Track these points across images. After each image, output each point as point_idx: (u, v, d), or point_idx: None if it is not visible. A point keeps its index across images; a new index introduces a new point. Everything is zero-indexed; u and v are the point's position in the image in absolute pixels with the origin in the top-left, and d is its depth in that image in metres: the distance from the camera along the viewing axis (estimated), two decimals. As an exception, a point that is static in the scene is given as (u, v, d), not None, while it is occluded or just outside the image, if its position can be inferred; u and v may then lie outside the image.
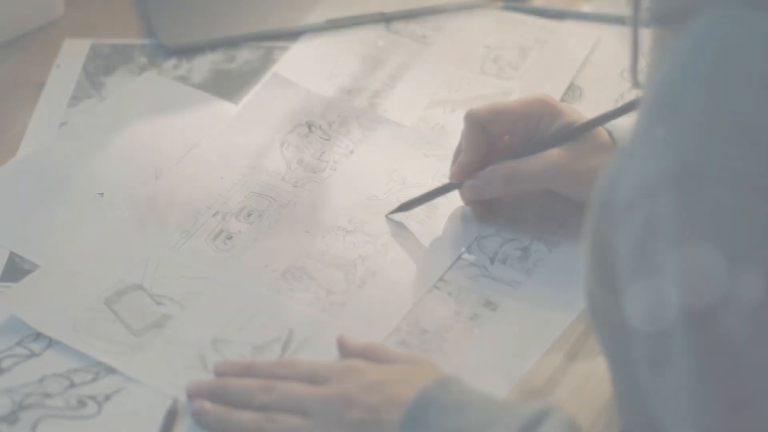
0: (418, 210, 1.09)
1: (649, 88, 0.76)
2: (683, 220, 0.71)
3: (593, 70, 1.27)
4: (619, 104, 1.05)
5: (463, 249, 1.06)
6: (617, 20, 1.32)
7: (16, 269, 1.05)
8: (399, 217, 1.09)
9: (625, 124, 1.05)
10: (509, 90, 1.24)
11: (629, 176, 0.74)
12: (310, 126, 1.19)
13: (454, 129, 1.18)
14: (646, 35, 0.90)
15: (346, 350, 0.97)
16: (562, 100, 1.23)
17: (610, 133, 1.05)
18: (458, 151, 1.08)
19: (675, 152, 0.71)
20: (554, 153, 1.04)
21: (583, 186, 1.03)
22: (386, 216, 1.08)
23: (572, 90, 1.24)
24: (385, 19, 1.33)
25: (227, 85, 1.25)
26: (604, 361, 0.95)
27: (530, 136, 1.06)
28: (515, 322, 1.00)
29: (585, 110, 1.18)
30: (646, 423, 0.85)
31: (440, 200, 1.09)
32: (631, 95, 1.23)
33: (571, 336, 0.99)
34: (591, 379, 0.96)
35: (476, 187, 1.06)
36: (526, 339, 0.99)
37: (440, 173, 1.13)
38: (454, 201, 1.09)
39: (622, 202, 0.74)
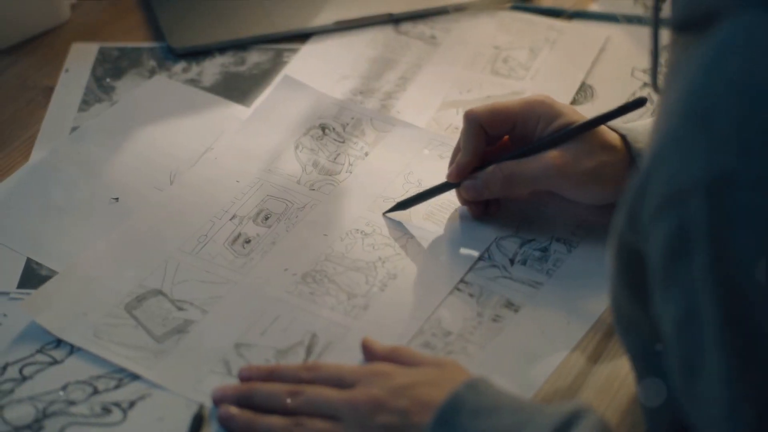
0: (436, 211, 1.09)
1: (676, 95, 0.75)
2: (716, 226, 0.71)
3: (604, 69, 1.27)
4: (615, 106, 1.04)
5: (483, 250, 1.06)
6: (625, 19, 1.32)
7: (34, 276, 1.05)
8: (397, 215, 1.09)
9: (637, 126, 1.05)
10: (521, 90, 1.24)
11: (659, 183, 0.74)
12: (323, 128, 1.18)
13: (468, 130, 1.18)
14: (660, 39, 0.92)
15: (371, 353, 0.97)
16: (574, 99, 1.23)
17: (624, 137, 1.04)
18: (457, 150, 1.08)
19: (708, 158, 0.71)
20: (552, 154, 1.03)
21: (582, 187, 1.03)
22: (383, 214, 1.08)
23: (584, 89, 1.24)
24: (393, 20, 1.33)
25: (238, 88, 1.24)
26: (628, 362, 0.96)
27: (529, 137, 1.05)
28: (538, 324, 1.00)
29: (597, 109, 1.18)
30: (672, 424, 0.86)
31: (458, 201, 1.09)
32: (642, 94, 1.23)
33: (595, 336, 0.99)
34: (615, 380, 0.96)
35: (474, 188, 1.06)
36: (550, 340, 0.99)
37: (456, 174, 1.13)
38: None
39: (652, 208, 0.74)
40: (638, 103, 1.03)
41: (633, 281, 0.82)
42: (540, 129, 1.04)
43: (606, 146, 1.04)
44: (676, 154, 0.73)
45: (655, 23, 0.85)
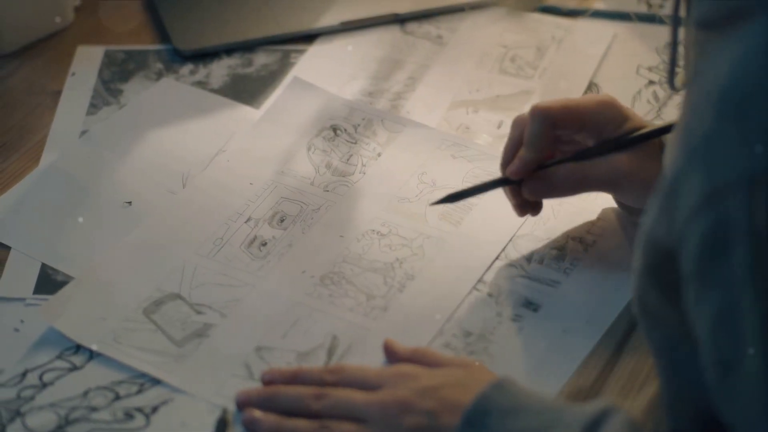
0: (452, 211, 1.09)
1: (704, 93, 0.75)
2: (757, 222, 0.71)
3: (609, 67, 1.27)
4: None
5: (500, 250, 1.06)
6: (630, 17, 1.32)
7: (49, 281, 1.04)
8: (439, 208, 1.08)
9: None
10: (530, 89, 1.24)
11: (694, 182, 0.74)
12: (335, 129, 1.18)
13: (479, 130, 1.19)
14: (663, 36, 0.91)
15: (393, 355, 0.96)
16: (582, 97, 1.23)
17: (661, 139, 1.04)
18: (510, 146, 1.04)
19: (745, 155, 0.71)
20: (622, 159, 1.01)
21: (645, 193, 1.01)
22: (429, 204, 1.07)
23: (589, 87, 1.24)
24: (399, 20, 1.33)
25: (246, 90, 1.24)
26: (649, 360, 0.96)
27: (594, 138, 1.03)
28: (558, 323, 1.00)
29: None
30: (697, 422, 0.86)
31: (474, 201, 1.09)
32: (648, 92, 1.23)
33: (614, 335, 0.99)
34: (637, 378, 0.96)
35: (540, 188, 1.03)
36: (571, 339, 0.99)
37: (470, 175, 1.13)
38: (487, 202, 1.09)
39: (688, 207, 0.74)
40: None
41: (662, 279, 0.82)
42: (609, 131, 1.02)
43: (659, 154, 1.02)
44: (712, 153, 0.73)
45: (674, 21, 0.85)
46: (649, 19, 1.32)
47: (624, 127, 1.02)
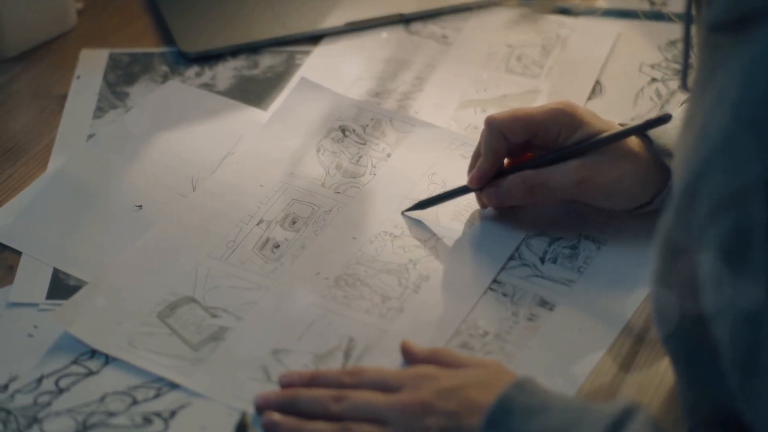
0: (463, 211, 1.09)
1: (718, 95, 0.75)
2: None
3: (612, 65, 1.27)
4: (645, 118, 1.03)
5: (513, 249, 1.06)
6: (633, 15, 1.33)
7: (62, 286, 1.04)
8: (416, 214, 1.09)
9: (669, 131, 1.04)
10: (537, 88, 1.24)
11: (712, 185, 0.74)
12: (344, 130, 1.18)
13: (488, 129, 1.18)
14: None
15: (411, 356, 0.96)
16: (589, 96, 1.23)
17: (651, 141, 1.04)
18: (476, 154, 1.08)
19: (764, 158, 0.71)
20: (575, 165, 1.03)
21: (606, 196, 1.04)
22: (402, 213, 1.08)
23: (594, 87, 1.24)
24: (404, 20, 1.33)
25: (253, 92, 1.24)
26: (666, 359, 0.96)
27: (550, 145, 1.05)
28: (575, 322, 1.00)
29: (606, 106, 1.20)
30: (716, 424, 0.86)
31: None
32: (651, 90, 1.23)
33: (630, 333, 0.99)
34: (655, 377, 0.96)
35: (495, 196, 1.06)
36: (587, 338, 0.99)
37: (481, 174, 1.13)
38: (500, 202, 1.09)
39: (706, 210, 0.74)
40: (662, 120, 1.03)
41: (679, 281, 0.82)
42: (562, 138, 1.04)
43: (627, 154, 1.04)
44: (730, 156, 0.73)
45: (687, 23, 0.85)
46: (653, 16, 1.32)
47: (578, 133, 1.04)
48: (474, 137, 1.17)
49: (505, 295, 1.02)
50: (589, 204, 1.07)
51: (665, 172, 1.03)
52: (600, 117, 1.06)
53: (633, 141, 1.04)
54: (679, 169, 0.79)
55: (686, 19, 0.86)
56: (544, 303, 1.02)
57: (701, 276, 0.77)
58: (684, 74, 0.87)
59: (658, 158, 1.03)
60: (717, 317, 0.76)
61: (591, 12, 1.34)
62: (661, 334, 0.86)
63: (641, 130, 1.03)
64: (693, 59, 1.24)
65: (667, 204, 0.81)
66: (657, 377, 0.96)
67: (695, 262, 0.77)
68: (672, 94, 1.23)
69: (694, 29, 0.85)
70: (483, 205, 1.08)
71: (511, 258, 1.05)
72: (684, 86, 0.88)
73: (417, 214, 1.09)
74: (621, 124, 1.05)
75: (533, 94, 1.23)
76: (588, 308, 1.01)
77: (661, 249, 0.82)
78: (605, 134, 1.04)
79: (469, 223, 1.08)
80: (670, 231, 0.80)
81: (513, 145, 1.05)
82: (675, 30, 1.30)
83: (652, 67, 1.26)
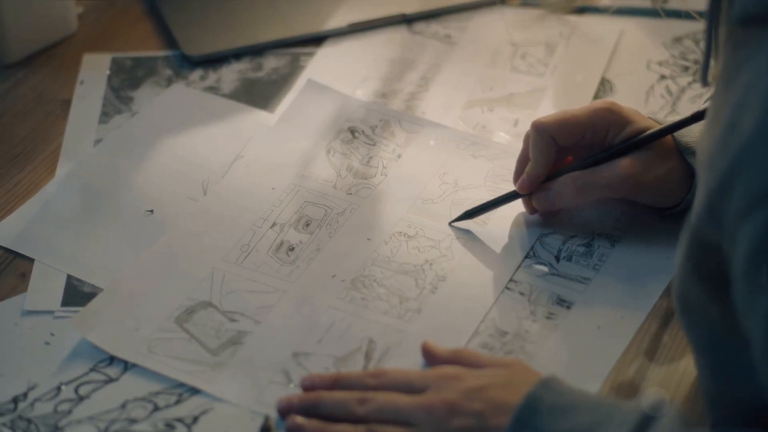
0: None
1: (747, 90, 0.75)
2: None
3: (619, 63, 1.27)
4: (689, 113, 1.03)
5: (528, 248, 1.06)
6: (636, 12, 1.33)
7: (77, 293, 1.03)
8: (461, 224, 1.08)
9: (693, 129, 1.05)
10: (543, 86, 1.24)
11: (746, 181, 0.74)
12: (353, 131, 1.18)
13: (495, 128, 1.19)
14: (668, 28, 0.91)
15: (433, 357, 0.96)
16: (596, 94, 1.23)
17: (674, 139, 1.04)
18: (522, 159, 1.07)
19: None
20: (624, 163, 1.03)
21: (654, 193, 1.03)
22: (449, 224, 1.08)
23: (602, 84, 1.25)
24: (407, 20, 1.33)
25: (259, 94, 1.23)
26: (687, 354, 0.96)
27: (598, 145, 1.05)
28: (593, 319, 1.00)
29: (620, 103, 1.19)
30: (740, 416, 0.86)
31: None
32: (661, 87, 1.24)
33: (649, 329, 0.99)
34: (675, 372, 0.96)
35: (547, 199, 1.05)
36: (607, 335, 0.99)
37: (491, 173, 1.13)
38: (513, 202, 1.09)
39: (740, 206, 0.74)
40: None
41: (707, 274, 0.82)
42: (610, 137, 1.04)
43: (670, 151, 1.04)
44: (763, 152, 0.73)
45: (710, 16, 0.85)
46: (655, 13, 1.33)
47: (626, 130, 1.04)
48: (485, 137, 1.17)
49: (522, 294, 1.02)
50: (633, 201, 1.06)
51: (691, 171, 1.03)
52: (642, 114, 1.06)
53: (670, 141, 1.04)
54: (706, 164, 0.79)
55: (710, 13, 0.85)
56: (561, 301, 1.02)
57: (733, 271, 0.77)
58: (704, 69, 0.87)
59: (683, 157, 1.03)
60: (749, 312, 0.76)
61: (611, 10, 1.34)
62: (685, 325, 0.86)
63: (689, 123, 1.03)
64: (700, 54, 1.25)
65: (697, 198, 0.81)
66: (678, 373, 0.96)
67: (727, 256, 0.78)
68: (682, 90, 1.23)
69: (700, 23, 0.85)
70: (531, 211, 1.08)
71: (526, 257, 1.05)
72: (704, 81, 0.88)
73: (465, 224, 1.08)
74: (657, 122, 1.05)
75: (539, 93, 1.23)
76: (606, 305, 1.01)
77: (690, 242, 0.82)
78: (652, 130, 1.03)
79: (482, 223, 1.08)
80: (700, 225, 0.80)
81: (561, 147, 1.05)
82: (678, 27, 1.31)
83: (660, 64, 1.27)
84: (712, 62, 0.86)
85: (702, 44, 1.25)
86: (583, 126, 1.04)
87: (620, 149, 1.04)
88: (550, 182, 1.05)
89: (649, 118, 1.05)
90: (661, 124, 1.04)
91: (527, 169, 1.06)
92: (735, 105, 0.76)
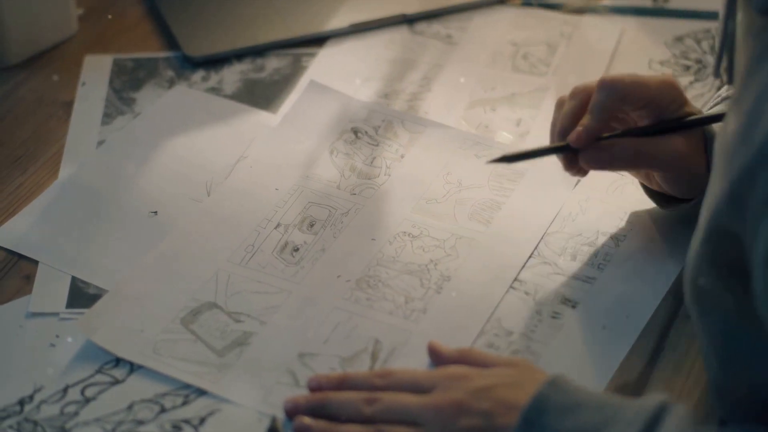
0: (481, 210, 1.09)
1: None
2: None
3: (621, 63, 1.27)
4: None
5: (533, 247, 1.06)
6: (637, 11, 1.33)
7: (82, 294, 1.03)
8: (467, 209, 1.09)
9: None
10: (545, 86, 1.24)
11: None
12: (356, 132, 1.18)
13: (498, 128, 1.19)
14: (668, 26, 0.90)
15: (439, 357, 0.96)
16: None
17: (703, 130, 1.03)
18: (569, 116, 1.03)
19: None
20: (681, 141, 1.01)
21: (688, 179, 1.02)
22: (486, 162, 1.03)
23: (605, 83, 1.25)
24: (408, 20, 1.33)
25: (261, 95, 1.23)
26: (692, 352, 0.97)
27: (654, 117, 1.02)
28: (599, 319, 1.00)
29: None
30: (750, 409, 0.86)
31: (502, 200, 1.10)
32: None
33: (654, 328, 1.00)
34: (682, 370, 0.96)
35: (599, 159, 1.02)
36: (612, 334, 0.99)
37: (495, 173, 1.13)
38: (515, 201, 1.10)
39: (764, 195, 0.74)
40: None
41: (723, 263, 0.82)
42: (669, 111, 1.02)
43: (707, 143, 1.03)
44: None
45: (729, 9, 0.85)
46: (655, 13, 1.33)
47: (683, 109, 1.03)
48: (487, 136, 1.17)
49: (527, 293, 1.02)
50: (649, 193, 1.06)
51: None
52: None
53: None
54: (729, 153, 0.78)
55: (727, 6, 0.85)
56: (566, 300, 1.02)
57: (755, 260, 0.77)
58: (718, 61, 0.87)
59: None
60: None
61: (593, 9, 1.34)
62: (696, 313, 0.86)
63: None
64: (700, 54, 1.25)
65: (709, 188, 0.81)
66: (684, 372, 0.96)
67: (747, 245, 0.78)
68: (684, 90, 1.22)
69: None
70: (571, 169, 1.03)
71: (530, 256, 1.05)
72: (716, 73, 0.88)
73: (469, 224, 1.08)
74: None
75: (542, 93, 1.23)
76: (611, 304, 1.01)
77: (707, 231, 0.82)
78: (710, 114, 1.02)
79: (486, 222, 1.08)
80: (719, 214, 0.80)
81: (621, 110, 1.03)
82: (679, 26, 1.31)
83: (662, 63, 1.27)
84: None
85: (702, 43, 1.25)
86: (651, 94, 1.02)
87: (680, 124, 1.01)
88: (606, 142, 1.02)
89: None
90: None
91: (584, 122, 1.02)
92: (759, 94, 0.76)
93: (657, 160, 1.02)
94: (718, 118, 1.01)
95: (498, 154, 1.11)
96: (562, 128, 1.03)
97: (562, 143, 1.02)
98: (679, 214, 1.05)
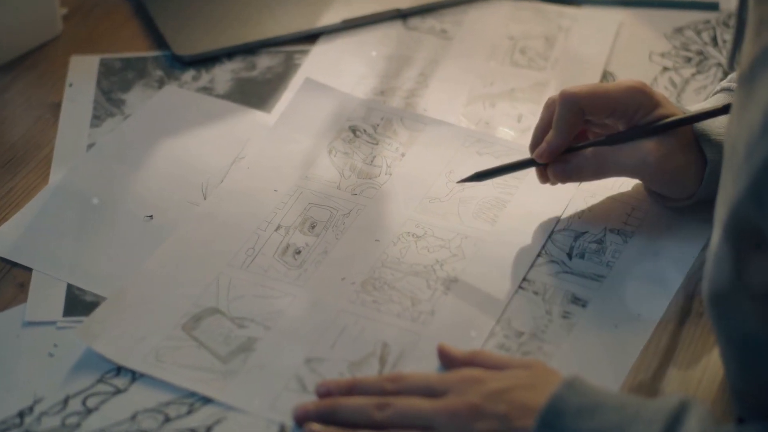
0: (486, 209, 1.07)
1: None
2: None
3: (621, 56, 1.25)
4: (719, 103, 1.01)
5: (540, 246, 1.04)
6: (635, 3, 1.31)
7: (78, 302, 1.00)
8: (472, 207, 1.06)
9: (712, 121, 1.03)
10: (544, 80, 1.22)
11: None
12: (354, 131, 1.15)
13: (499, 124, 1.16)
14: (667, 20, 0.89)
15: (450, 360, 0.94)
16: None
17: (693, 126, 1.02)
18: (541, 127, 1.04)
19: None
20: (648, 146, 1.00)
21: (673, 182, 1.01)
22: (457, 182, 1.05)
23: (605, 77, 1.23)
24: (401, 15, 1.30)
25: (254, 94, 1.20)
26: (707, 350, 0.95)
27: (623, 124, 1.02)
28: (610, 317, 0.98)
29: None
30: (765, 409, 0.85)
31: (508, 198, 1.07)
32: (665, 79, 1.22)
33: (667, 326, 0.98)
34: (697, 368, 0.95)
35: (564, 172, 1.02)
36: (625, 333, 0.97)
37: (498, 171, 1.10)
38: (522, 199, 1.07)
39: None
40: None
41: (743, 258, 0.80)
42: (638, 118, 1.01)
43: (691, 143, 1.01)
44: None
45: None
46: (653, 4, 1.31)
47: (654, 113, 1.02)
48: (488, 133, 1.15)
49: (536, 293, 1.00)
50: (651, 191, 1.05)
51: (704, 164, 1.01)
52: (670, 101, 1.03)
53: (690, 131, 1.02)
54: (749, 145, 0.76)
55: None
56: (576, 299, 1.00)
57: None
58: (733, 52, 0.85)
59: (699, 148, 1.01)
60: None
61: (591, 0, 1.32)
62: (714, 315, 0.84)
63: (720, 113, 1.01)
64: (702, 45, 1.23)
65: (724, 181, 0.79)
66: (699, 370, 0.94)
67: (763, 238, 0.76)
68: (686, 82, 1.21)
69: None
70: (544, 180, 1.04)
71: (538, 255, 1.03)
72: (731, 65, 0.86)
73: (474, 222, 1.06)
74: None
75: (541, 87, 1.21)
76: (622, 303, 0.99)
77: (727, 225, 0.80)
78: (680, 116, 1.01)
79: (491, 221, 1.06)
80: (740, 207, 0.78)
81: (585, 121, 1.03)
82: (678, 17, 1.29)
83: (662, 55, 1.25)
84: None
85: (702, 34, 1.24)
86: (614, 102, 1.01)
87: (647, 130, 1.01)
88: (571, 154, 1.02)
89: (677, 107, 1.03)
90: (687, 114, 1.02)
91: (548, 137, 1.02)
92: None
93: (623, 168, 1.02)
94: (683, 121, 1.01)
95: (498, 153, 1.10)
96: (533, 142, 1.04)
97: (529, 159, 1.04)
98: (685, 207, 1.04)
